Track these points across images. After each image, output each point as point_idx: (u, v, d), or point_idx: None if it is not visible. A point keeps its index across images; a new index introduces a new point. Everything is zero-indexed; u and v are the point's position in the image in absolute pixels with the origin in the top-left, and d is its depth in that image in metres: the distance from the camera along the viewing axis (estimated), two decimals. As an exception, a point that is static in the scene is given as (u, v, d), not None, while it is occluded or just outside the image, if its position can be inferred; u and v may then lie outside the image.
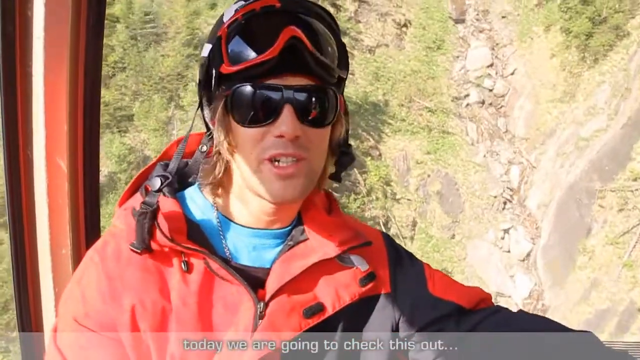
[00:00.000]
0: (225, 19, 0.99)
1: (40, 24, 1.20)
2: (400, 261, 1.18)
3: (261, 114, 0.94)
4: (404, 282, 1.15)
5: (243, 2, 0.99)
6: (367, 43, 23.81)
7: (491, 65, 25.29)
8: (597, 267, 16.82)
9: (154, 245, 0.98)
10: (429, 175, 20.31)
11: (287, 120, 0.93)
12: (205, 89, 1.02)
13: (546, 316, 1.18)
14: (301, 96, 0.94)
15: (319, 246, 1.06)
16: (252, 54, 0.93)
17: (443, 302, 1.14)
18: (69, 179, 1.32)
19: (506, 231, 19.48)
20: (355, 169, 18.42)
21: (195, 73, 16.42)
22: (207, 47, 1.01)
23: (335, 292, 1.05)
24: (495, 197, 20.27)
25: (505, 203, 20.31)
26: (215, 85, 0.98)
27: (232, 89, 0.95)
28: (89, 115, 1.35)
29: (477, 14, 27.60)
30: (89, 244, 1.22)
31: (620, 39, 21.89)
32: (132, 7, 16.28)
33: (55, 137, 1.29)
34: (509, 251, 19.03)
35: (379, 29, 25.00)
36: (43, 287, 1.36)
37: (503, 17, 27.35)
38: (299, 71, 0.94)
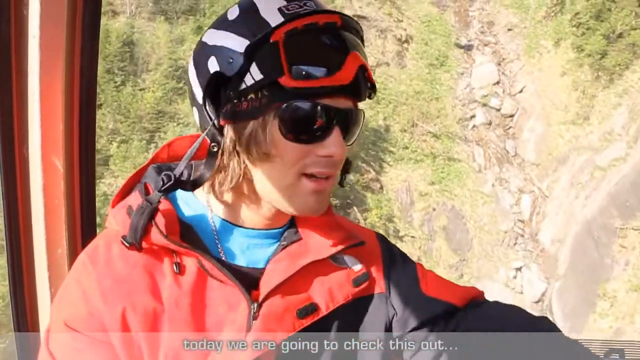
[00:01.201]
0: (269, 20, 0.93)
1: (36, 23, 1.20)
2: (394, 261, 1.16)
3: (313, 132, 0.94)
4: (398, 282, 1.14)
5: (288, 4, 0.94)
6: (366, 62, 22.46)
7: (498, 82, 23.99)
8: (620, 316, 15.45)
9: (145, 244, 0.96)
10: (434, 209, 18.94)
11: (337, 142, 0.95)
12: (230, 86, 0.94)
13: (522, 307, 1.15)
14: (348, 119, 0.97)
15: (312, 246, 1.06)
16: (318, 74, 0.92)
17: (436, 301, 1.13)
18: (65, 178, 1.32)
19: (518, 269, 18.15)
20: (354, 207, 17.05)
21: (179, 108, 15.05)
22: (238, 40, 0.93)
23: (329, 292, 1.04)
24: (505, 232, 18.91)
25: (516, 238, 18.98)
26: (252, 88, 0.92)
27: (286, 102, 0.92)
28: (85, 114, 1.34)
29: (482, 26, 26.48)
30: (85, 244, 1.18)
31: (638, 58, 20.54)
32: (109, 37, 14.84)
33: (51, 136, 1.28)
34: (521, 292, 17.70)
35: (379, 46, 23.69)
36: (39, 286, 1.35)
37: (509, 29, 26.14)
38: (350, 94, 0.96)
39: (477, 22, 26.62)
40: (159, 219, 0.97)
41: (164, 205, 1.01)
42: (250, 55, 0.92)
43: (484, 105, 23.11)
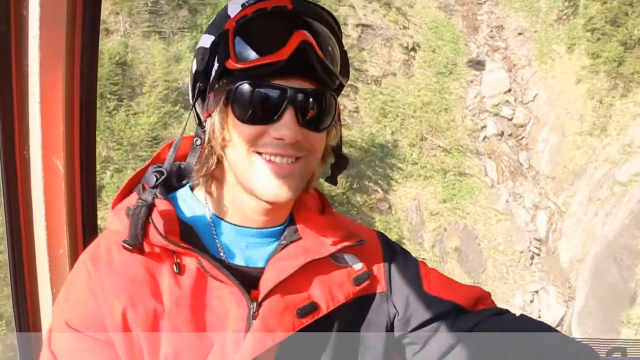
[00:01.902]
0: (231, 13, 0.98)
1: (36, 24, 1.21)
2: (395, 260, 1.17)
3: (263, 113, 0.94)
4: (399, 280, 1.14)
5: None
6: (372, 73, 21.58)
7: (509, 90, 23.05)
8: (646, 345, 14.52)
9: (146, 246, 0.97)
10: (445, 229, 18.08)
11: (288, 124, 0.94)
12: (202, 81, 1.00)
13: (550, 325, 1.11)
14: (304, 100, 0.96)
15: (312, 245, 1.06)
16: (260, 53, 0.93)
17: (439, 300, 1.12)
18: (66, 178, 1.32)
19: (535, 292, 17.27)
20: (362, 232, 16.28)
21: (175, 133, 14.33)
22: (208, 38, 1.00)
23: (329, 291, 1.04)
24: (521, 252, 18.02)
25: (532, 257, 18.08)
26: (215, 78, 0.97)
27: (235, 85, 0.95)
28: (85, 115, 1.34)
29: (491, 31, 25.57)
30: (86, 244, 1.22)
31: (658, 65, 19.54)
32: (102, 59, 14.10)
33: (52, 137, 1.29)
34: (539, 316, 16.82)
35: (385, 55, 22.80)
36: (40, 287, 1.36)
37: (519, 33, 25.20)
38: (304, 75, 0.95)
39: (486, 27, 25.70)
40: (157, 220, 0.96)
41: (164, 205, 1.00)
42: (214, 49, 0.96)
43: (496, 114, 22.20)
